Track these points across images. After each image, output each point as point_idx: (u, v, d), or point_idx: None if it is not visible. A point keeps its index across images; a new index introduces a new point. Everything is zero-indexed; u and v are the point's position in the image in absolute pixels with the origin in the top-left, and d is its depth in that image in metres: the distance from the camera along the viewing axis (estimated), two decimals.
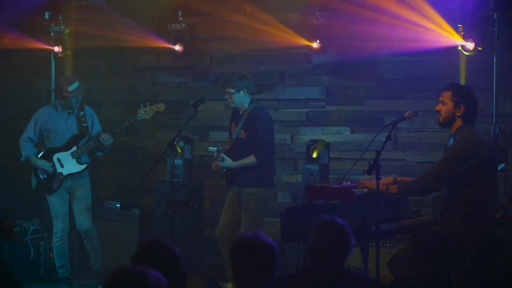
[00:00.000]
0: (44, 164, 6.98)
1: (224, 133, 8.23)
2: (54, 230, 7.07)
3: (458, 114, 5.19)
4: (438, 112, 5.28)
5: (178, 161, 7.47)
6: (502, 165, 6.68)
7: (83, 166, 7.06)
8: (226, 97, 6.69)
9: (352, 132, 7.84)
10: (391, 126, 5.30)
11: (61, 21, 8.15)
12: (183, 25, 7.90)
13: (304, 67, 7.91)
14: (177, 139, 6.19)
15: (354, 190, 5.47)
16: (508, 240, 5.58)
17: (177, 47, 7.92)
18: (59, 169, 7.00)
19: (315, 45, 7.60)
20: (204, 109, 7.77)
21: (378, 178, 4.94)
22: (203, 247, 7.85)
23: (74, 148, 7.02)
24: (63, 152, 7.02)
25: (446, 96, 5.23)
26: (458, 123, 5.21)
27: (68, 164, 7.01)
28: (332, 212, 5.31)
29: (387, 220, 5.40)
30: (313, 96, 7.93)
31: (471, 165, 5.07)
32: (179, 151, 7.46)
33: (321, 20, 7.53)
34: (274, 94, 8.11)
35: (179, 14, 7.95)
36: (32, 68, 8.69)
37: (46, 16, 8.17)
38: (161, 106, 7.08)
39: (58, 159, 7.01)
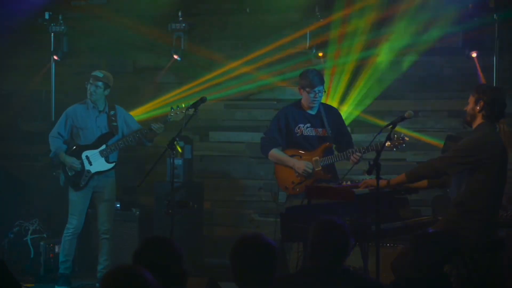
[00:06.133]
0: (73, 161, 6.94)
1: (224, 133, 8.26)
2: (67, 225, 7.01)
3: (477, 110, 5.20)
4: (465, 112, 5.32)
5: (178, 161, 7.48)
6: None
7: (111, 165, 7.04)
8: (319, 94, 6.44)
9: (352, 132, 7.84)
10: (391, 126, 5.30)
11: (61, 21, 8.15)
12: (183, 25, 7.90)
13: (304, 67, 7.90)
14: (177, 139, 6.18)
15: (354, 190, 5.46)
16: (508, 240, 5.57)
17: (176, 56, 7.92)
18: (87, 166, 6.98)
19: (315, 45, 7.59)
20: (204, 109, 7.77)
21: (378, 178, 4.93)
22: (203, 247, 7.86)
23: (103, 146, 7.00)
24: (92, 150, 6.99)
25: (470, 96, 5.28)
26: (479, 120, 5.22)
27: (96, 162, 6.99)
28: (332, 212, 5.31)
29: (387, 220, 5.40)
30: None
31: (481, 160, 5.07)
32: (179, 151, 7.48)
33: (321, 20, 7.53)
34: (274, 94, 8.11)
35: (179, 14, 7.95)
36: (32, 68, 8.69)
37: (46, 16, 8.17)
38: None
39: (87, 157, 6.98)
